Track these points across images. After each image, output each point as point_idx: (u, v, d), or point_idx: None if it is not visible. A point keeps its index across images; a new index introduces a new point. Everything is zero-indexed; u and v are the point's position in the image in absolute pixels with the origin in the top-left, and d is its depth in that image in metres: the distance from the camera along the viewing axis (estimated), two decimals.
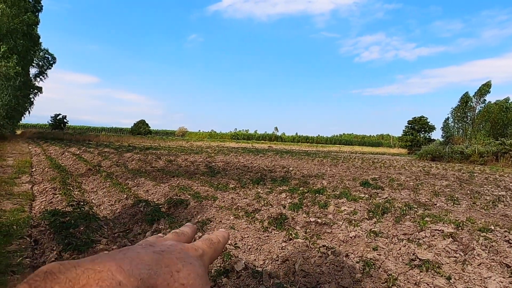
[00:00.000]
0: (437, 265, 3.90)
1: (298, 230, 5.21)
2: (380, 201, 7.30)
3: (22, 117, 47.37)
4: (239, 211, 6.16)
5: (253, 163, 17.16)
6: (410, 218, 5.73)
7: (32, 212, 6.25)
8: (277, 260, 4.20)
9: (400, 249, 4.36)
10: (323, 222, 5.55)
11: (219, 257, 3.94)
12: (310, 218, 5.67)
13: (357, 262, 4.05)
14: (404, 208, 6.37)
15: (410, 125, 63.20)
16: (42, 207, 6.61)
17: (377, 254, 4.26)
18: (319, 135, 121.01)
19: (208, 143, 56.98)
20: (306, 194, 8.03)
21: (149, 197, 7.70)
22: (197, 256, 0.45)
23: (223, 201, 7.03)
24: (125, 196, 7.53)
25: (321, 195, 7.94)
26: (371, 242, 4.69)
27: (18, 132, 52.69)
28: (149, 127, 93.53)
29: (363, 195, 8.01)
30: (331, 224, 5.54)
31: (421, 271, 3.84)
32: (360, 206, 6.67)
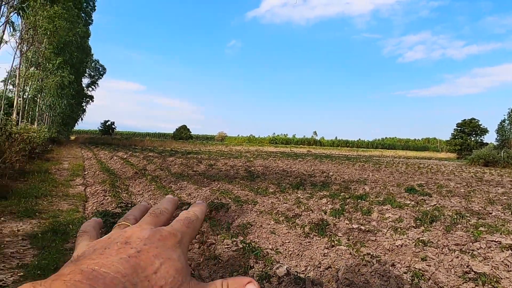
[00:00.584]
0: (495, 279, 3.61)
1: (341, 236, 5.08)
2: (428, 208, 6.92)
3: (76, 124, 51.19)
4: (279, 216, 6.15)
5: (292, 168, 17.06)
6: (462, 228, 5.37)
7: (85, 213, 6.69)
8: (319, 267, 4.13)
9: (452, 260, 4.10)
10: (367, 229, 5.37)
11: (260, 261, 3.95)
12: (353, 225, 5.52)
13: (404, 273, 3.87)
14: (455, 217, 5.99)
15: (459, 128, 59.41)
16: (94, 208, 7.05)
17: (427, 265, 4.04)
18: (359, 139, 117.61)
19: (247, 147, 57.60)
20: (347, 200, 7.83)
21: (191, 201, 7.92)
22: (176, 243, 0.42)
23: (263, 206, 7.05)
24: None
25: (363, 201, 7.70)
26: (419, 251, 4.45)
27: (72, 137, 56.77)
28: (190, 132, 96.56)
29: (408, 202, 7.65)
30: (375, 231, 5.35)
31: (476, 285, 3.58)
32: (406, 214, 6.37)
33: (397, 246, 4.66)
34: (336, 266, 4.06)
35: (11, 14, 13.11)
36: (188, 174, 12.38)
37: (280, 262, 4.23)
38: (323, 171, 15.79)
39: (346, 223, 5.74)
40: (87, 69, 41.90)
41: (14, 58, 16.92)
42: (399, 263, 4.23)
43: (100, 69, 46.65)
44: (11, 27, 15.62)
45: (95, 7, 31.83)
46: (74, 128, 57.61)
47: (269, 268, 3.74)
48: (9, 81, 20.45)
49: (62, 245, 4.57)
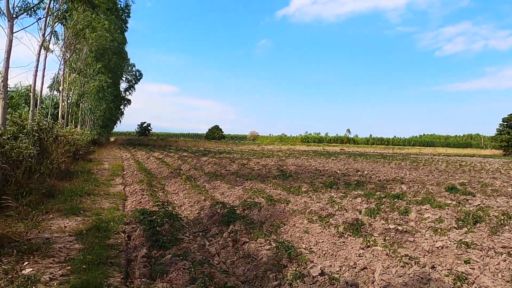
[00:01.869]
0: None
1: (376, 237, 4.95)
2: (471, 208, 6.55)
3: (115, 126, 53.67)
4: (313, 215, 6.09)
5: (325, 166, 16.82)
6: (510, 229, 5.03)
7: (125, 211, 7.01)
8: (355, 268, 4.04)
9: (498, 263, 3.86)
10: (404, 229, 5.18)
11: (293, 261, 3.94)
12: (389, 225, 5.35)
13: (446, 276, 3.70)
14: (502, 218, 5.62)
15: (506, 123, 55.54)
16: (133, 206, 7.36)
17: (470, 268, 3.83)
18: (395, 136, 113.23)
19: (278, 146, 57.49)
20: (383, 199, 7.60)
21: (224, 199, 8.04)
22: None
23: (296, 205, 7.02)
24: (203, 198, 7.98)
25: (400, 201, 7.44)
26: (461, 254, 4.23)
27: (112, 139, 59.57)
28: (222, 132, 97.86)
29: (449, 202, 7.29)
30: (413, 232, 5.15)
31: None
32: (447, 214, 6.08)
33: (437, 247, 4.47)
34: (372, 267, 3.96)
35: (56, 24, 14.00)
36: (221, 173, 12.58)
37: (314, 262, 4.20)
38: (357, 169, 15.42)
39: (382, 223, 5.58)
40: (124, 74, 43.82)
41: (59, 66, 18.07)
42: (439, 265, 4.05)
43: (137, 74, 48.61)
44: (55, 37, 16.68)
45: (130, 14, 33.22)
46: (113, 130, 60.37)
47: (303, 267, 3.73)
48: (55, 87, 21.85)
49: (104, 242, 4.82)
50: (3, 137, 6.34)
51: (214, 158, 18.82)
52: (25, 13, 8.92)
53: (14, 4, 7.96)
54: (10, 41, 7.68)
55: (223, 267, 4.13)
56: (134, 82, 48.69)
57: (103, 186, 9.69)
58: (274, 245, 4.46)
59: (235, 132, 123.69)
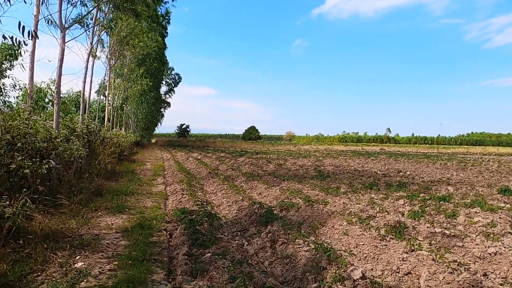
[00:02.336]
0: None
1: (421, 241, 4.72)
2: None
3: (156, 128, 55.94)
4: (352, 216, 5.94)
5: (364, 167, 16.33)
6: None
7: (166, 209, 7.27)
8: (398, 272, 3.89)
9: None
10: (452, 234, 4.90)
11: (333, 263, 3.87)
12: (435, 229, 5.08)
13: (500, 284, 3.44)
14: None
15: None
16: (174, 205, 7.62)
17: None
18: (439, 135, 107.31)
19: (315, 146, 56.69)
20: (428, 202, 7.24)
21: (262, 200, 8.08)
22: None
23: (335, 206, 6.88)
24: (241, 198, 8.07)
25: (447, 203, 7.04)
26: None
27: (153, 140, 62.06)
28: (259, 132, 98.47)
29: (503, 205, 6.77)
30: (462, 237, 4.85)
31: None
32: (500, 218, 5.66)
33: (489, 254, 4.17)
34: (417, 273, 3.78)
35: (102, 33, 14.88)
36: (258, 174, 12.64)
37: (354, 264, 4.09)
38: (399, 170, 14.81)
39: (427, 227, 5.31)
40: (164, 78, 45.48)
41: (104, 72, 19.18)
42: (492, 273, 3.78)
43: (176, 78, 50.32)
44: (101, 45, 17.74)
45: (170, 21, 34.42)
46: (155, 131, 62.94)
47: (342, 270, 3.64)
48: (101, 92, 23.21)
49: (148, 239, 5.03)
50: (57, 139, 6.82)
51: (251, 159, 18.97)
52: (76, 24, 9.55)
53: (66, 16, 8.57)
54: (63, 50, 8.26)
55: (262, 267, 4.15)
56: (173, 85, 50.43)
57: (146, 185, 10.12)
58: (313, 246, 4.41)
59: (271, 133, 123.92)
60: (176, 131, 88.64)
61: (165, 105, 51.65)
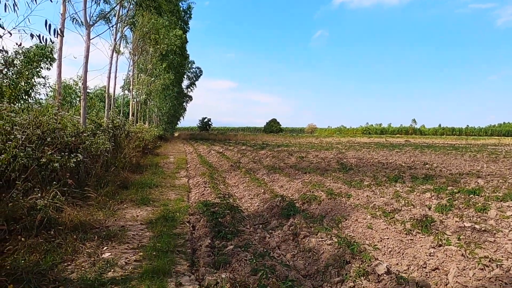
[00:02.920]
0: None
1: (449, 235, 4.55)
2: None
3: (178, 122, 56.86)
4: (376, 210, 5.81)
5: (388, 159, 15.94)
6: None
7: (189, 202, 7.38)
8: (425, 268, 3.77)
9: None
10: (483, 228, 4.69)
11: (357, 257, 3.80)
12: (465, 223, 4.89)
13: None
14: None
15: None
16: (196, 198, 7.72)
17: None
18: (468, 126, 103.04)
19: (337, 138, 55.89)
20: (456, 195, 6.98)
21: (283, 192, 8.05)
22: None
23: (358, 199, 6.76)
24: (262, 190, 8.07)
25: (477, 197, 6.76)
26: None
27: (176, 134, 63.16)
28: (280, 125, 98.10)
29: None
30: (494, 231, 4.64)
31: None
32: None
33: None
34: (445, 268, 3.66)
35: (125, 29, 15.19)
36: (280, 166, 12.60)
37: (379, 259, 4.00)
38: (425, 162, 14.35)
39: (456, 221, 5.12)
40: (186, 72, 45.97)
41: (128, 67, 19.61)
42: None
43: (197, 71, 50.72)
44: (124, 40, 18.12)
45: (191, 16, 34.66)
46: (177, 125, 64.00)
47: (367, 264, 3.57)
48: (126, 87, 23.77)
49: (172, 231, 5.13)
50: (84, 134, 7.05)
51: (272, 151, 18.92)
52: (101, 20, 9.77)
53: (90, 13, 8.78)
54: (88, 47, 8.48)
55: (284, 260, 4.14)
56: (194, 79, 50.88)
57: (169, 178, 10.31)
58: (336, 240, 4.35)
59: (292, 125, 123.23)
60: (198, 124, 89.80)
61: (187, 98, 52.30)
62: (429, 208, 6.15)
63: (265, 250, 4.31)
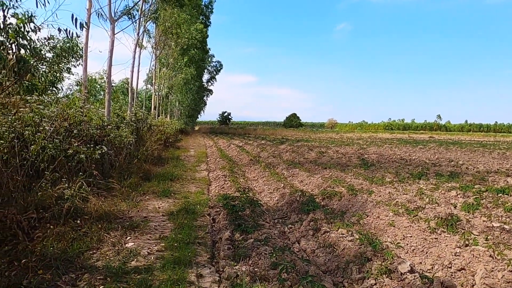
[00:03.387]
0: None
1: (476, 235, 4.39)
2: None
3: (199, 116, 57.46)
4: (399, 207, 5.67)
5: (411, 156, 15.54)
6: None
7: (209, 195, 7.46)
8: (450, 267, 3.66)
9: None
10: None
11: (378, 254, 3.73)
12: (493, 223, 4.70)
13: None
14: None
15: None
16: (216, 191, 7.80)
17: None
18: (496, 122, 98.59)
19: (359, 134, 54.91)
20: (484, 194, 6.71)
21: (303, 187, 7.99)
22: None
23: (380, 196, 6.63)
24: (282, 185, 8.05)
25: (506, 196, 6.48)
26: None
27: (196, 128, 63.87)
28: (300, 120, 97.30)
29: None
30: None
31: None
32: None
33: None
34: (471, 269, 3.54)
35: (147, 23, 15.42)
36: (299, 161, 12.52)
37: (401, 257, 3.92)
38: (451, 159, 13.89)
39: (483, 220, 4.94)
40: (206, 66, 46.27)
41: (150, 61, 19.96)
42: None
43: (217, 65, 50.88)
44: (147, 35, 18.39)
45: (213, 10, 34.77)
46: (198, 119, 64.69)
47: (389, 262, 3.50)
48: (148, 81, 24.18)
49: (192, 223, 5.20)
50: (109, 126, 7.23)
51: (292, 146, 18.82)
52: (125, 15, 9.95)
53: (115, 8, 8.94)
54: (112, 42, 8.66)
55: (304, 255, 4.12)
56: (215, 73, 51.05)
57: (190, 171, 10.46)
58: (357, 236, 4.29)
59: (312, 120, 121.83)
60: (218, 118, 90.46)
61: (208, 92, 52.64)
62: (455, 207, 5.96)
63: (285, 244, 4.31)
